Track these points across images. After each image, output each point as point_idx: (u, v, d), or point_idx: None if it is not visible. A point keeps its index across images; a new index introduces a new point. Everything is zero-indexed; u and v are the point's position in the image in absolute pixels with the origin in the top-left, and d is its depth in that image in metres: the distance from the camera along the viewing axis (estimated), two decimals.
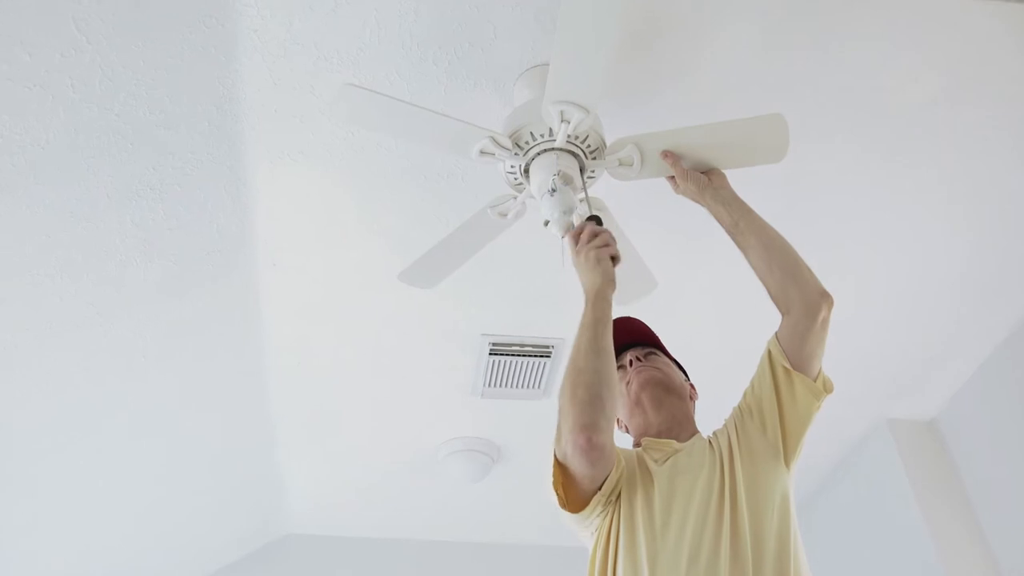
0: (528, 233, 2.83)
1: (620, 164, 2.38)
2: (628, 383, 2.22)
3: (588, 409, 1.78)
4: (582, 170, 2.33)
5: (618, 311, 2.02)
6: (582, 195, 2.31)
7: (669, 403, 2.17)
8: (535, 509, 4.77)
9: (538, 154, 2.30)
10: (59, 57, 2.35)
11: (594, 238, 2.04)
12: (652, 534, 1.82)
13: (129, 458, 3.84)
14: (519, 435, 4.31)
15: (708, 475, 1.90)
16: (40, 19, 2.25)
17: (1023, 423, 3.64)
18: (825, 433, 4.07)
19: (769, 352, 2.01)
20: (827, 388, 1.98)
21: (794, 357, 1.96)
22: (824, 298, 1.96)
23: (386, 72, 2.54)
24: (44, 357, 3.17)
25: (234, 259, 3.10)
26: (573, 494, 1.86)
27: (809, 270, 2.01)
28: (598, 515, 1.90)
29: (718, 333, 3.65)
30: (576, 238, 2.09)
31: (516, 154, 2.32)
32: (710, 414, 2.28)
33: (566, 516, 1.90)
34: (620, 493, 1.91)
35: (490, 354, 3.72)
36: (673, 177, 2.35)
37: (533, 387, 3.93)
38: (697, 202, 2.30)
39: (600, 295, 1.95)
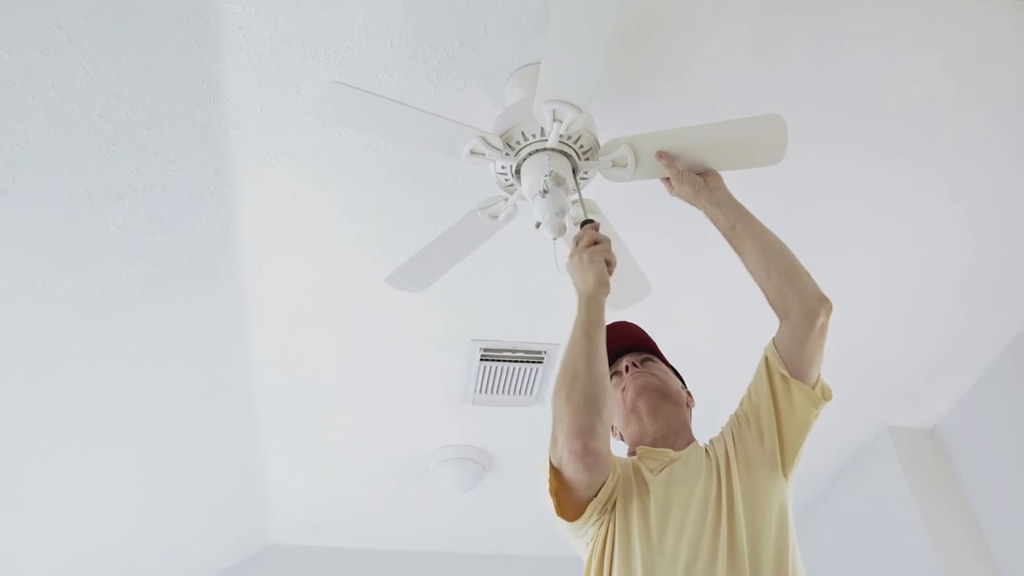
0: (520, 235, 2.83)
1: (614, 165, 2.38)
2: (624, 390, 2.22)
3: (584, 414, 1.79)
4: (575, 171, 2.32)
5: (613, 316, 2.03)
6: (575, 196, 2.32)
7: (665, 410, 2.18)
8: (528, 518, 4.77)
9: (530, 154, 2.30)
10: (39, 56, 2.35)
11: (593, 243, 2.05)
12: (648, 544, 1.82)
13: (109, 467, 3.83)
14: (511, 443, 4.31)
15: (704, 485, 1.90)
16: (20, 17, 2.25)
17: None
18: (824, 441, 4.08)
19: (766, 359, 2.01)
20: (826, 395, 1.98)
21: (792, 364, 1.96)
22: (823, 303, 1.96)
23: (374, 71, 2.54)
24: (24, 362, 3.17)
25: (219, 263, 3.09)
26: (568, 501, 1.87)
27: (807, 274, 2.01)
28: (593, 524, 1.90)
29: (715, 338, 3.65)
30: (576, 242, 2.09)
31: (507, 154, 2.32)
32: (707, 421, 2.28)
33: (561, 524, 1.90)
34: (616, 502, 1.92)
35: (481, 360, 3.72)
36: (668, 179, 2.35)
37: (525, 394, 3.93)
38: (692, 204, 2.30)
39: (593, 298, 1.95)
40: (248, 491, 4.44)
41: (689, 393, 2.33)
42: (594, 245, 2.04)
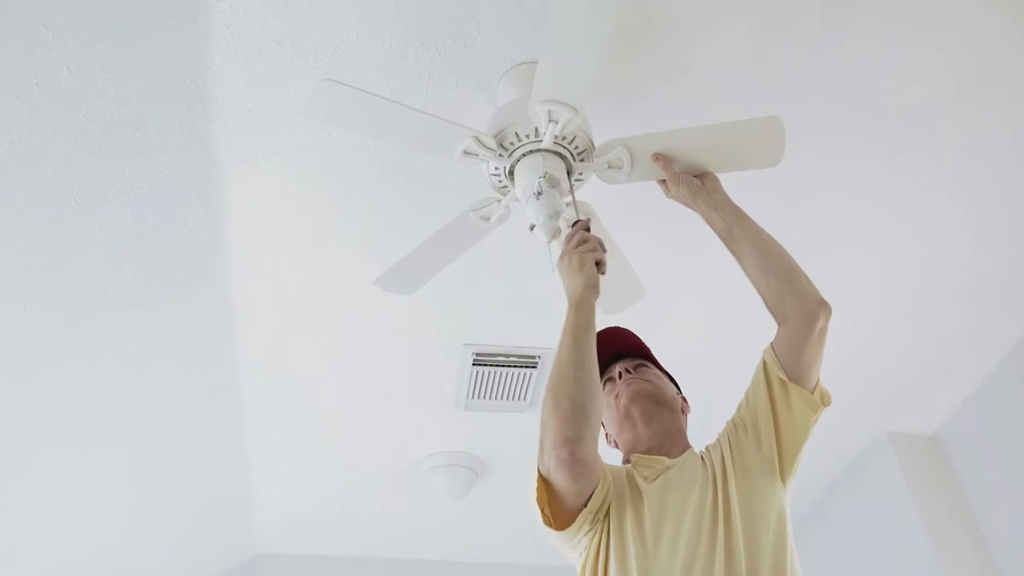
0: (513, 238, 2.84)
1: (609, 167, 2.38)
2: (617, 396, 2.21)
3: (570, 421, 1.78)
4: (569, 172, 2.32)
5: (606, 320, 2.03)
6: (569, 199, 2.32)
7: (660, 417, 2.17)
8: (521, 526, 4.77)
9: (524, 155, 2.29)
10: (23, 55, 2.34)
11: (582, 243, 2.05)
12: (643, 552, 1.82)
13: (94, 474, 3.83)
14: (504, 448, 4.31)
15: (700, 491, 1.90)
16: (3, 15, 2.25)
17: None
18: (823, 447, 4.09)
19: (764, 363, 2.01)
20: (825, 401, 1.98)
21: (790, 368, 1.96)
22: (822, 307, 1.97)
23: (365, 70, 2.54)
24: (7, 368, 3.17)
25: (206, 264, 3.09)
26: (558, 510, 1.86)
27: (806, 278, 2.02)
28: (585, 533, 1.90)
29: (711, 342, 3.65)
30: (566, 243, 2.09)
31: (500, 155, 2.32)
32: (703, 427, 2.29)
33: (551, 534, 1.90)
34: (608, 510, 1.91)
35: (473, 364, 3.72)
36: (664, 181, 2.35)
37: (518, 399, 3.93)
38: (689, 207, 2.30)
39: (582, 301, 1.95)
40: (237, 498, 4.44)
41: (684, 399, 2.33)
42: (583, 244, 2.04)
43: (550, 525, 1.86)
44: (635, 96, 2.69)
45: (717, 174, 2.34)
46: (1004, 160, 3.00)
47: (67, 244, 2.85)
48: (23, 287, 2.91)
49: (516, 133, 2.28)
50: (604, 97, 2.65)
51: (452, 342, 3.62)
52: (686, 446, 2.14)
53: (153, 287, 3.10)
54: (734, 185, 2.30)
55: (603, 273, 2.03)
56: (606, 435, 2.26)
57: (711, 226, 2.21)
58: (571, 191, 2.33)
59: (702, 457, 2.03)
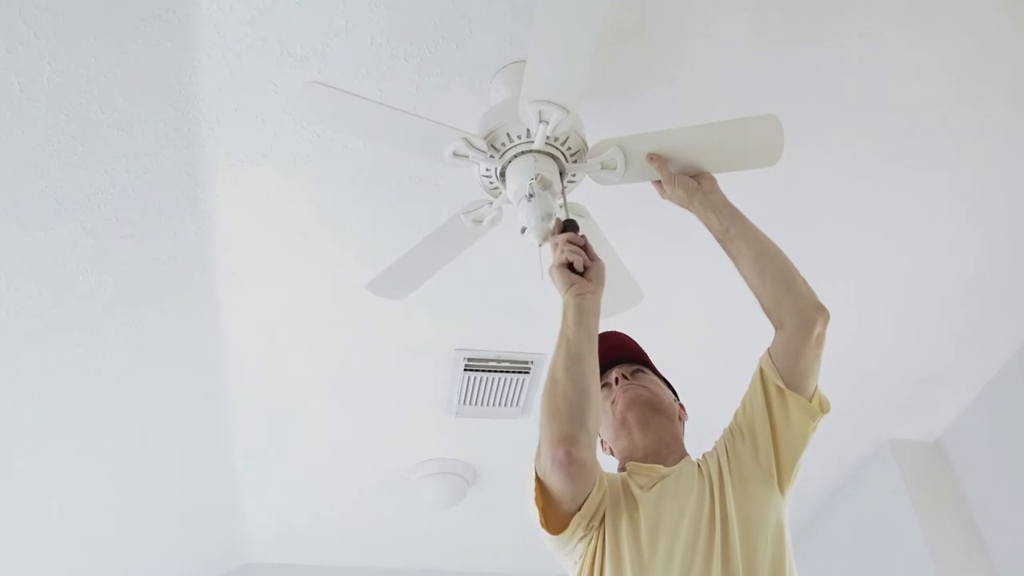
0: (505, 241, 2.83)
1: (602, 167, 2.37)
2: (613, 402, 2.21)
3: (567, 421, 1.78)
4: (562, 174, 2.31)
5: (603, 324, 2.02)
6: (561, 200, 2.31)
7: (656, 424, 2.17)
8: (514, 534, 4.77)
9: (515, 156, 2.28)
10: (4, 52, 2.34)
11: (565, 244, 2.04)
12: (639, 560, 1.81)
13: (79, 483, 3.82)
14: (496, 456, 4.31)
15: (697, 500, 1.90)
16: None
17: None
18: (823, 454, 4.08)
19: (761, 370, 2.01)
20: (823, 408, 1.97)
21: (788, 375, 1.95)
22: (819, 312, 1.96)
23: (354, 69, 2.54)
24: None
25: (192, 268, 3.09)
26: (553, 514, 1.86)
27: (804, 281, 2.01)
28: (580, 540, 1.90)
29: (709, 347, 3.65)
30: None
31: (492, 156, 2.31)
32: (700, 435, 2.28)
33: (546, 538, 1.89)
34: (604, 518, 1.91)
35: (465, 370, 3.71)
36: (659, 181, 2.34)
37: (511, 405, 3.93)
38: (685, 208, 2.29)
39: (567, 303, 1.94)
40: (224, 507, 4.43)
41: (682, 406, 2.33)
42: (565, 246, 2.03)
43: (545, 527, 1.86)
44: (629, 95, 2.69)
45: (714, 174, 2.34)
46: (1007, 161, 3.00)
47: (50, 247, 2.84)
48: (5, 291, 2.91)
49: (507, 134, 2.27)
50: (597, 96, 2.65)
51: (443, 347, 3.62)
52: (683, 454, 2.13)
53: (138, 291, 3.09)
54: (731, 185, 2.30)
55: (580, 272, 2.01)
56: (601, 442, 2.25)
57: (707, 227, 2.20)
58: (563, 193, 2.32)
59: (699, 465, 2.02)
